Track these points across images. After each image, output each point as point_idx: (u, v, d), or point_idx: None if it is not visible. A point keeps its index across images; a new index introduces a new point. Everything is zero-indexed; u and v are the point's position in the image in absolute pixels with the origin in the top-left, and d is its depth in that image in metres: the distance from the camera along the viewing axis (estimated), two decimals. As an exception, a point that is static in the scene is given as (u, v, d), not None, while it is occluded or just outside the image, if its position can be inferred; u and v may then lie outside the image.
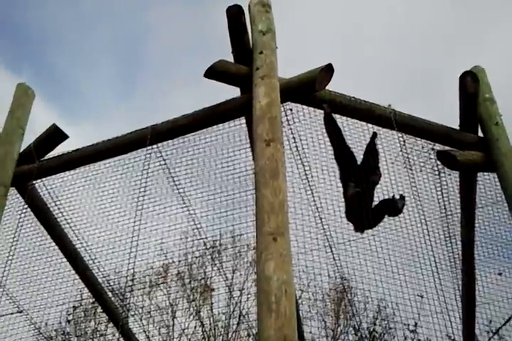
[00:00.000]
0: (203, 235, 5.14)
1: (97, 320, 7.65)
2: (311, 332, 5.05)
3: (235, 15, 4.52)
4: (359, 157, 4.83)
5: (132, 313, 6.82)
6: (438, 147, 4.86)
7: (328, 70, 4.49)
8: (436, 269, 4.51)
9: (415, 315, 4.30)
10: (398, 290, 4.29)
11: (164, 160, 4.96)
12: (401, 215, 4.66)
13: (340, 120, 4.77)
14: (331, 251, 4.63)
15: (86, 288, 5.71)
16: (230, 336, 11.06)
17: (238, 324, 10.95)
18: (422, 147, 4.86)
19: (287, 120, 4.66)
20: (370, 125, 4.85)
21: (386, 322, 8.95)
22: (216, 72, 4.60)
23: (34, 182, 5.19)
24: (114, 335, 6.71)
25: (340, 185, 4.68)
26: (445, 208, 4.95)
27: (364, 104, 4.76)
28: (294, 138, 4.70)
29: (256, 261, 3.37)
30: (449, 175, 4.95)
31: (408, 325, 5.96)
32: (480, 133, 4.98)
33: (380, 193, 4.72)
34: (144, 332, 8.06)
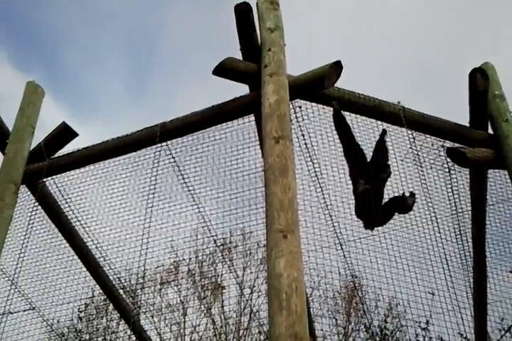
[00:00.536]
0: (213, 233, 5.15)
1: (108, 317, 7.68)
2: (322, 330, 5.06)
3: (243, 12, 4.51)
4: (368, 154, 4.81)
5: (143, 310, 6.83)
6: (448, 144, 4.83)
7: (336, 67, 4.48)
8: (447, 267, 4.49)
9: (427, 312, 4.27)
10: (409, 287, 4.27)
11: (174, 157, 4.96)
12: (411, 213, 4.64)
13: (350, 117, 4.76)
14: (342, 248, 4.61)
15: (97, 286, 5.73)
16: (241, 333, 11.06)
17: (249, 321, 10.96)
18: (432, 144, 4.84)
19: (296, 117, 4.65)
20: (379, 122, 4.83)
21: (397, 319, 8.94)
22: (225, 70, 4.60)
23: (44, 179, 5.22)
24: (125, 332, 6.73)
25: (350, 182, 4.68)
26: (455, 205, 4.93)
27: (373, 101, 4.74)
28: (303, 135, 4.69)
29: (266, 259, 3.37)
30: (459, 172, 4.92)
31: (420, 322, 5.94)
32: (490, 130, 4.95)
33: (390, 190, 4.70)
34: (156, 329, 8.08)
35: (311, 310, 7.13)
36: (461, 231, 4.98)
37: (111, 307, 6.62)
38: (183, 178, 4.98)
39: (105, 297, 6.34)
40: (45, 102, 5.67)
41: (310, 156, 4.69)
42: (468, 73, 4.83)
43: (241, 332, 11.06)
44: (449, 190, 4.89)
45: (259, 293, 10.65)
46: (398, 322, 9.05)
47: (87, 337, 8.51)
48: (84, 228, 5.32)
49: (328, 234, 4.43)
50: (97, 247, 5.37)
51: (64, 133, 5.30)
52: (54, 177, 5.23)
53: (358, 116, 4.76)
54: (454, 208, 4.93)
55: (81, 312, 7.87)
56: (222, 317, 11.06)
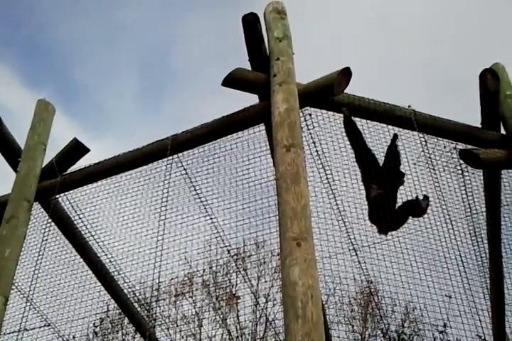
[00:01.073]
0: (226, 243, 5.14)
1: (124, 330, 7.67)
2: (338, 337, 5.04)
3: (250, 23, 4.53)
4: (380, 159, 4.80)
5: (159, 323, 6.81)
6: (460, 146, 4.82)
7: (345, 74, 4.47)
8: (463, 269, 4.47)
9: (444, 315, 4.26)
10: (426, 291, 4.25)
11: (185, 169, 4.97)
12: (425, 216, 4.62)
13: (360, 123, 4.75)
14: (356, 254, 4.60)
15: (112, 300, 5.73)
16: (257, 343, 11.03)
17: (265, 331, 10.92)
18: (444, 146, 4.82)
19: (307, 125, 4.65)
20: (390, 126, 4.82)
21: (415, 324, 8.89)
22: (234, 81, 4.61)
23: (57, 196, 5.23)
24: (141, 345, 6.71)
25: (362, 187, 4.66)
26: (470, 207, 4.90)
27: (383, 106, 4.73)
28: (314, 142, 4.68)
29: (280, 267, 3.36)
30: (473, 173, 4.90)
31: (437, 326, 5.91)
32: (502, 131, 4.93)
33: (404, 194, 4.68)
34: (171, 341, 8.06)
35: (327, 317, 7.09)
36: (477, 233, 4.95)
37: (126, 320, 6.61)
38: (195, 190, 4.98)
39: (120, 311, 6.34)
40: (56, 119, 5.70)
41: (322, 163, 4.68)
42: (479, 74, 4.84)
43: (257, 341, 11.03)
44: (463, 192, 4.86)
45: (275, 302, 10.62)
46: (415, 326, 9.01)
47: (104, 352, 8.50)
48: (97, 243, 5.33)
49: (342, 241, 4.41)
50: (110, 261, 5.37)
51: (75, 149, 5.31)
52: (67, 193, 5.25)
53: (368, 121, 4.76)
54: (468, 210, 4.90)
55: (96, 326, 7.88)
56: (238, 327, 11.03)
